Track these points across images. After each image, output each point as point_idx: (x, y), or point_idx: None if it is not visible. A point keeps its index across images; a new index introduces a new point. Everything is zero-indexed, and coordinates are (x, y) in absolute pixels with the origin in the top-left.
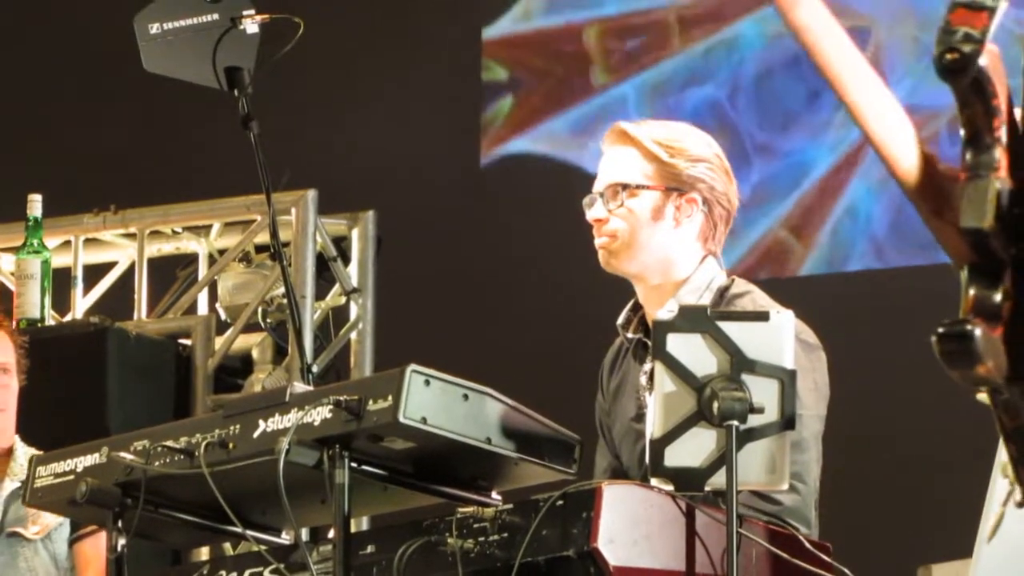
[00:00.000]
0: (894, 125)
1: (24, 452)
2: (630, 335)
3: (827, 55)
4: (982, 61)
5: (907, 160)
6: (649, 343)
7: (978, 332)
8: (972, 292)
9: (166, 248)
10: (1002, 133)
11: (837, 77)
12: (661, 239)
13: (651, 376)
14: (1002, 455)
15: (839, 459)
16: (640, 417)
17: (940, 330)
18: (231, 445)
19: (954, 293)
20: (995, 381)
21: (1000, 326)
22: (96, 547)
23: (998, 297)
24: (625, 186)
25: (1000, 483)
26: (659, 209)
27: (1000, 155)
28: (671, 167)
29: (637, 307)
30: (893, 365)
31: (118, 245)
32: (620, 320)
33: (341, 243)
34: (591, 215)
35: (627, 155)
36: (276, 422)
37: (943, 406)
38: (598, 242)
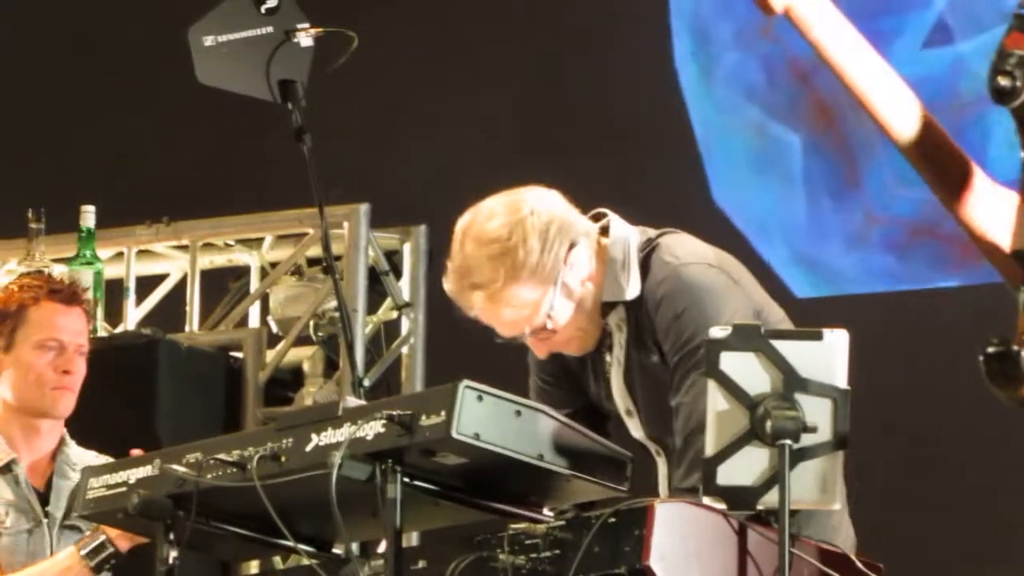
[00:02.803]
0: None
1: (77, 451)
2: None
3: (845, 69)
4: None
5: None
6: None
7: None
8: None
9: (218, 260)
10: None
11: (853, 86)
12: (583, 301)
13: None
14: None
15: (900, 481)
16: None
17: (986, 350)
18: (283, 458)
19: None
20: None
21: None
22: None
23: None
24: (543, 327)
25: None
26: (568, 295)
27: None
28: (540, 269)
29: None
30: (964, 388)
31: (170, 257)
32: None
33: (393, 257)
34: (534, 343)
35: (515, 304)
36: (328, 436)
37: (1012, 429)
38: (562, 349)
